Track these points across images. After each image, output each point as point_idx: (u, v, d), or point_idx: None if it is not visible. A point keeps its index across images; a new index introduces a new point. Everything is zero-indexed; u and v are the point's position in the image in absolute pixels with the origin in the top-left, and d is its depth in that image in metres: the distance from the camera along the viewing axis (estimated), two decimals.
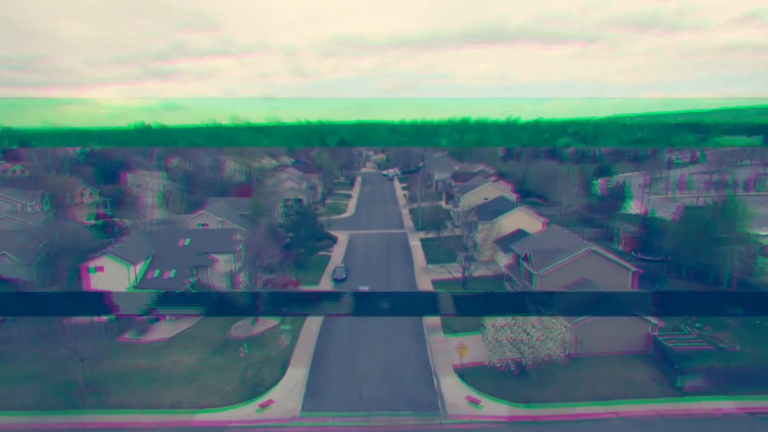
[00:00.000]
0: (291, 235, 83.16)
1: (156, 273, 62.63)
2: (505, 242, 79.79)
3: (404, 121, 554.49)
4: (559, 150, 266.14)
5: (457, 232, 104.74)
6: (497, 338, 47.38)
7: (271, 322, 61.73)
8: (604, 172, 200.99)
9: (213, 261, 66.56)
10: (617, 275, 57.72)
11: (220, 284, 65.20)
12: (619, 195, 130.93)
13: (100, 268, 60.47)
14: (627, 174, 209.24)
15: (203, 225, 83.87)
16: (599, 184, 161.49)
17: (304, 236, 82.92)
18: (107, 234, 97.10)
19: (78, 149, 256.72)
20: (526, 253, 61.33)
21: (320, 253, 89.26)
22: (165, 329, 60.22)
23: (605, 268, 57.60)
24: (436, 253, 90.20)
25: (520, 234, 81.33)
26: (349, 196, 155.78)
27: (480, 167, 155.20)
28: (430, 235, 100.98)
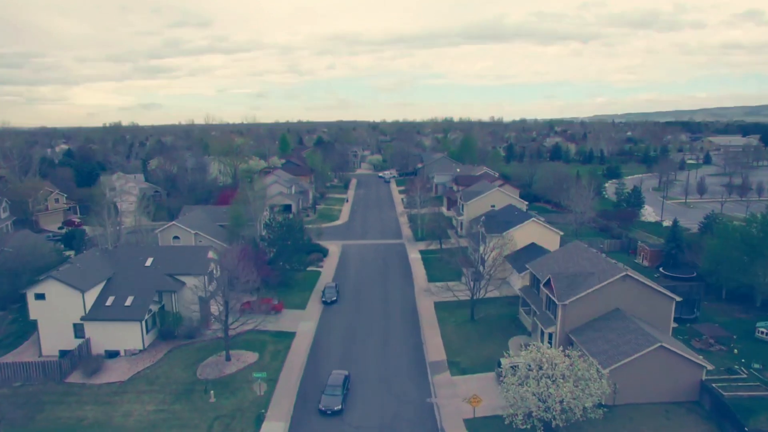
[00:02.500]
0: (274, 250, 73.94)
1: (112, 300, 53.25)
2: (518, 259, 70.84)
3: (386, 120, 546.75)
4: (563, 150, 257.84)
5: (461, 242, 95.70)
6: (519, 393, 38.27)
7: (248, 358, 52.51)
8: (611, 174, 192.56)
9: (181, 284, 57.18)
10: (656, 305, 48.72)
11: (188, 312, 55.87)
12: (634, 200, 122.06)
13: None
14: (636, 176, 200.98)
15: (176, 238, 74.55)
16: (610, 188, 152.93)
17: (291, 250, 73.66)
18: (73, 246, 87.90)
19: (58, 149, 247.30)
20: (546, 278, 52.23)
21: (309, 268, 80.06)
22: (121, 368, 50.85)
23: (642, 296, 48.59)
24: (438, 268, 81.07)
25: (533, 249, 72.45)
26: (342, 201, 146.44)
27: (483, 169, 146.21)
28: (432, 246, 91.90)
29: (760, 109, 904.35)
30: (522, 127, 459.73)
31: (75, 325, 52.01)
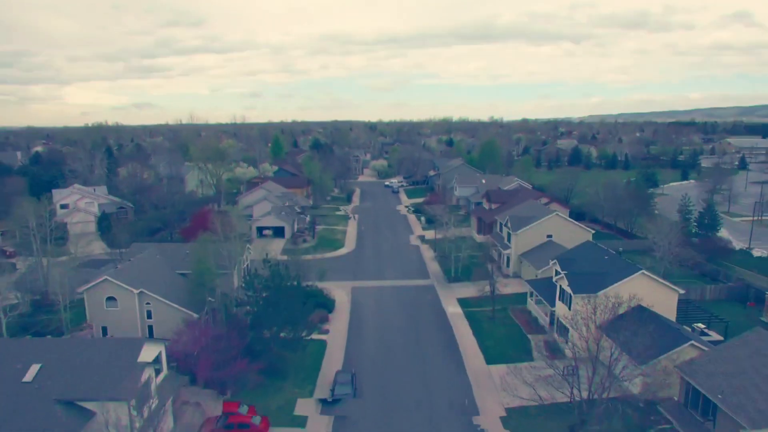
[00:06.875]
0: (258, 315, 49.26)
1: None
2: (624, 333, 46.16)
3: (383, 120, 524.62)
4: (584, 154, 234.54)
5: (509, 286, 71.25)
6: None
7: None
8: (647, 182, 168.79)
9: (89, 415, 32.41)
10: None
11: None
12: (708, 222, 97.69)
13: None
14: (672, 184, 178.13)
15: (112, 299, 49.87)
16: (664, 203, 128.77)
17: (283, 319, 48.86)
18: None
19: (24, 154, 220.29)
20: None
21: (309, 336, 55.10)
22: None
23: None
24: (495, 336, 56.66)
25: (644, 317, 47.93)
26: (346, 218, 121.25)
27: (515, 181, 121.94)
28: (477, 292, 65.85)
29: (754, 110, 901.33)
30: (525, 127, 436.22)
31: None
